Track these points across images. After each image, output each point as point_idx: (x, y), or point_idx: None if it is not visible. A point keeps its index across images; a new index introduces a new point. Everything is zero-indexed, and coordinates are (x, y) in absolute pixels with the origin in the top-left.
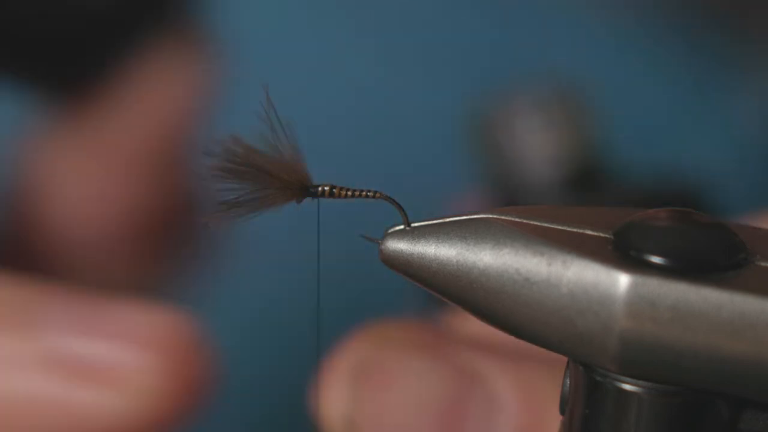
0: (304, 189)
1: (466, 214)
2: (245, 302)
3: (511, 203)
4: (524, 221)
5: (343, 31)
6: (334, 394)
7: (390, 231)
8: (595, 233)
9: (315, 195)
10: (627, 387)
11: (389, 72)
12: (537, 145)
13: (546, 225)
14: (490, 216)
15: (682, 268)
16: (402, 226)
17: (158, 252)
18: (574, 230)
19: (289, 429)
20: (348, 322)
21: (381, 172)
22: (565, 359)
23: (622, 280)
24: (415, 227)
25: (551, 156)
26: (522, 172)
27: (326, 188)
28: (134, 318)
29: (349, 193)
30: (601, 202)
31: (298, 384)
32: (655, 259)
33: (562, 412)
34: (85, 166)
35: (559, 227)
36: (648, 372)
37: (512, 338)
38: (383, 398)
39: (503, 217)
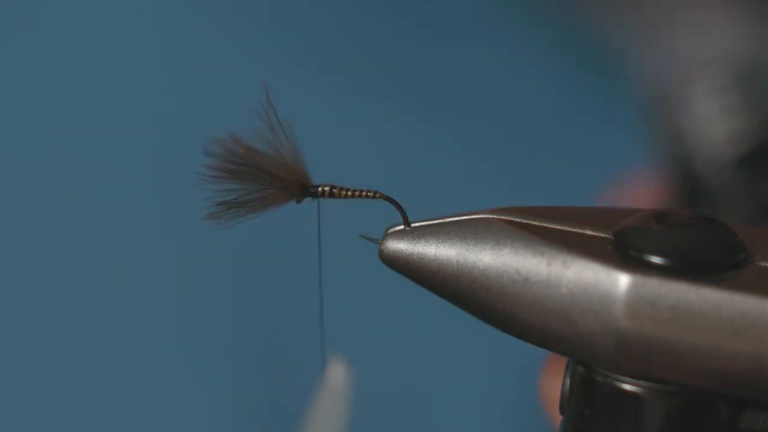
0: (303, 189)
1: (466, 214)
2: (244, 303)
3: (686, 185)
4: (524, 221)
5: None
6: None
7: (390, 231)
8: (595, 233)
9: (315, 195)
10: (627, 387)
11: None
12: (715, 126)
13: (546, 225)
14: (490, 216)
15: (682, 268)
16: (402, 226)
17: None
18: (574, 230)
19: (290, 429)
20: (349, 322)
21: (381, 172)
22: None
23: (622, 280)
24: (415, 227)
25: (729, 136)
26: (700, 153)
27: (326, 188)
28: None
29: (349, 193)
30: None
31: (299, 385)
32: (655, 259)
33: (562, 412)
34: None
35: (559, 227)
36: (648, 372)
37: None
38: None
39: (503, 217)
